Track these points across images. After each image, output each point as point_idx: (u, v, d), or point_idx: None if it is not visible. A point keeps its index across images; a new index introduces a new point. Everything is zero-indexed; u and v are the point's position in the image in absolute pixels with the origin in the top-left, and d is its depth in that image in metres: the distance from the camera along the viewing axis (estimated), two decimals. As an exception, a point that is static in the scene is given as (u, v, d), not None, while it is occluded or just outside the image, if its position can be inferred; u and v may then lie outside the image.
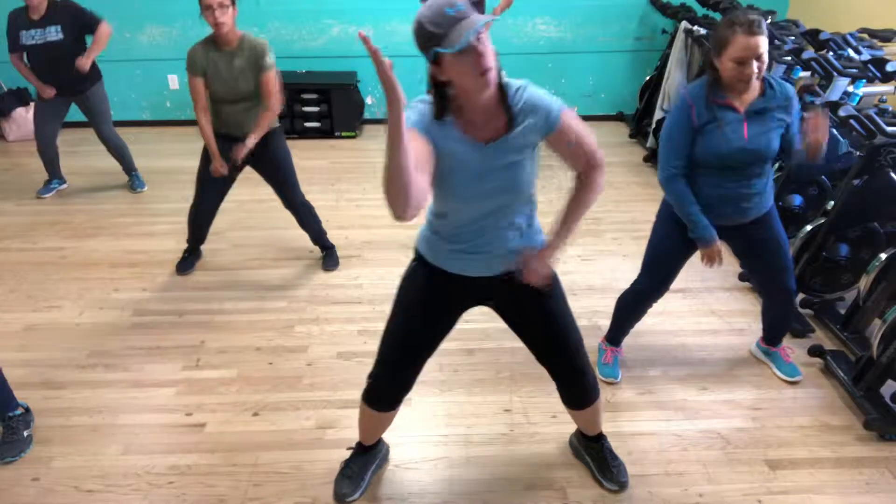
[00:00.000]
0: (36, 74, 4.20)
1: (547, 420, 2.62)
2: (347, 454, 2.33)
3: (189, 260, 3.67)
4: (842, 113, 3.00)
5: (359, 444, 2.31)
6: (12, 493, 2.28)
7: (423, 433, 2.55)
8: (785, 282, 2.63)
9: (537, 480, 2.35)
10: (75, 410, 2.65)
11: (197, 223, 3.59)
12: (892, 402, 2.62)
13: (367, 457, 2.32)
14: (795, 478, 2.37)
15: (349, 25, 5.80)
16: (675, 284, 2.72)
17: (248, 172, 3.48)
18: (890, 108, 3.22)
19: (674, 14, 5.36)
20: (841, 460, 2.44)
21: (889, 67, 3.38)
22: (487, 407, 2.69)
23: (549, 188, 4.43)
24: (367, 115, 6.07)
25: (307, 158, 5.06)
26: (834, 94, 3.63)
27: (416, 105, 1.70)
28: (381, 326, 3.17)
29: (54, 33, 4.06)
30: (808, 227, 3.25)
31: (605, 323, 2.94)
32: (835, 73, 3.55)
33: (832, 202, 3.23)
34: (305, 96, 5.65)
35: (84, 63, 4.10)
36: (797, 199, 3.51)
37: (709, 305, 3.38)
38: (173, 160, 5.22)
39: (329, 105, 5.67)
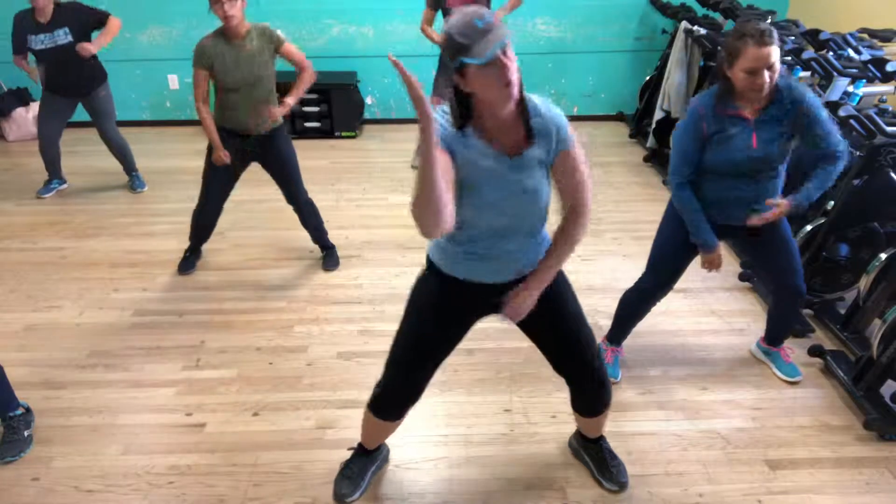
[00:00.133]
0: (45, 77, 4.20)
1: (547, 420, 2.62)
2: (347, 454, 2.34)
3: (190, 260, 3.67)
4: (842, 113, 3.01)
5: (360, 446, 2.31)
6: (12, 493, 2.28)
7: (423, 433, 2.55)
8: (795, 282, 2.63)
9: (537, 480, 2.35)
10: (75, 410, 2.65)
11: (202, 224, 3.58)
12: (892, 402, 2.62)
13: (367, 458, 2.32)
14: (795, 478, 2.37)
15: (349, 25, 5.80)
16: (671, 289, 2.73)
17: (250, 172, 3.48)
18: (890, 108, 3.22)
19: (674, 14, 5.36)
20: (841, 460, 2.44)
21: (889, 67, 3.38)
22: (487, 407, 2.69)
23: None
24: (367, 115, 6.07)
25: (307, 158, 5.03)
26: (834, 94, 3.63)
27: (438, 117, 1.72)
28: (381, 326, 3.21)
29: (63, 36, 4.06)
30: (808, 227, 3.25)
31: (606, 323, 2.94)
32: (835, 73, 3.55)
33: (832, 202, 3.23)
34: (305, 96, 5.61)
35: (88, 47, 4.03)
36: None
37: (709, 305, 3.38)
38: (173, 160, 5.22)
39: (329, 105, 5.67)
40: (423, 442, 2.51)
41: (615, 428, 2.53)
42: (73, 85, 4.22)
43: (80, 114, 4.42)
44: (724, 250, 2.53)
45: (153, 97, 5.97)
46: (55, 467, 2.38)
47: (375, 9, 5.73)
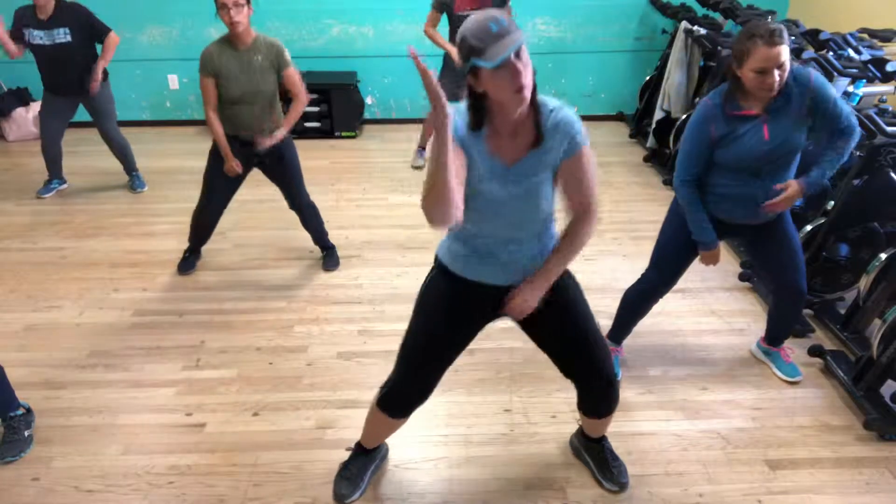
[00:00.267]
0: (42, 74, 4.21)
1: (547, 420, 2.62)
2: (347, 454, 2.33)
3: (190, 260, 3.67)
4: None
5: (358, 446, 2.31)
6: (12, 493, 2.28)
7: (423, 433, 2.55)
8: (797, 282, 2.63)
9: (537, 480, 2.35)
10: (75, 410, 2.65)
11: (202, 225, 3.58)
12: (892, 402, 2.62)
13: (366, 458, 2.32)
14: (795, 478, 2.37)
15: (349, 25, 5.80)
16: (674, 286, 2.73)
17: (251, 173, 3.48)
18: (890, 108, 3.22)
19: (674, 14, 5.37)
20: (841, 460, 2.44)
21: (889, 67, 3.38)
22: (487, 407, 2.69)
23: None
24: (367, 115, 6.07)
25: (307, 158, 5.01)
26: (834, 91, 3.63)
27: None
28: (381, 326, 3.22)
29: (62, 35, 4.06)
30: (808, 227, 3.25)
31: (606, 323, 2.93)
32: (835, 73, 3.55)
33: (832, 202, 3.23)
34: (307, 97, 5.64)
35: (97, 79, 4.14)
36: (797, 199, 3.51)
37: (709, 305, 3.38)
38: (173, 160, 5.22)
39: (329, 105, 5.67)
40: (423, 442, 2.51)
41: (615, 428, 2.52)
42: (73, 84, 4.23)
43: (82, 114, 4.42)
44: (724, 250, 2.53)
45: (153, 97, 5.97)
46: (55, 467, 2.38)
47: (375, 9, 5.73)
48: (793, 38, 3.98)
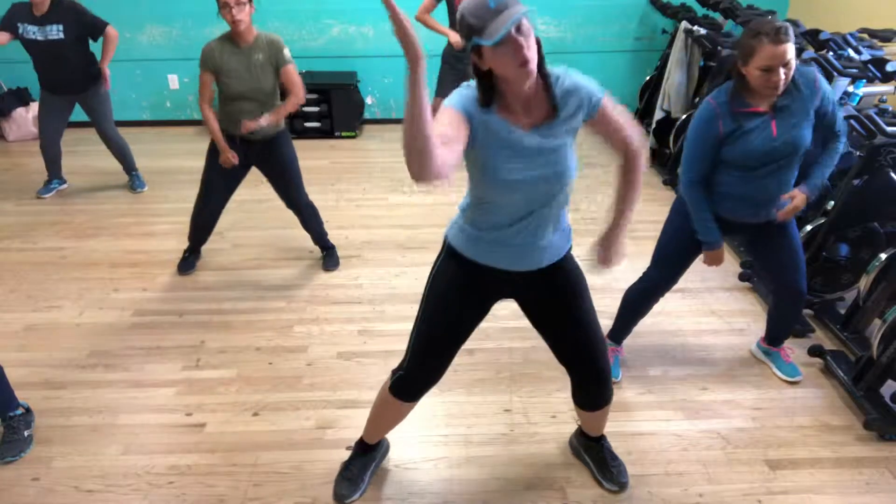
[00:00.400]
0: (38, 72, 4.21)
1: (547, 420, 2.62)
2: (347, 454, 2.33)
3: (190, 260, 3.67)
4: (842, 113, 3.00)
5: (359, 444, 2.31)
6: (12, 493, 2.28)
7: (423, 433, 2.55)
8: (797, 282, 2.63)
9: (537, 480, 2.35)
10: (75, 410, 2.65)
11: (201, 225, 3.58)
12: (892, 402, 2.62)
13: (367, 457, 2.32)
14: (795, 478, 2.37)
15: (349, 25, 5.80)
16: (675, 284, 2.73)
17: (250, 172, 3.48)
18: (890, 108, 3.22)
19: (674, 14, 5.37)
20: (841, 460, 2.44)
21: (889, 67, 3.38)
22: (487, 407, 2.69)
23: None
24: (367, 115, 6.07)
25: (307, 158, 5.02)
26: (834, 95, 3.63)
27: (461, 90, 1.72)
28: (380, 326, 3.21)
29: (55, 32, 4.06)
30: (808, 227, 3.25)
31: (606, 322, 2.92)
32: (835, 73, 3.55)
33: (832, 202, 3.23)
34: (305, 96, 5.64)
35: (106, 77, 4.19)
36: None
37: (709, 305, 3.38)
38: (173, 160, 5.22)
39: (329, 105, 5.67)
40: (423, 442, 2.51)
41: (615, 428, 2.53)
42: (68, 82, 4.22)
43: (81, 114, 4.43)
44: (724, 250, 2.53)
45: (153, 97, 5.97)
46: (55, 467, 2.38)
47: (375, 9, 5.69)
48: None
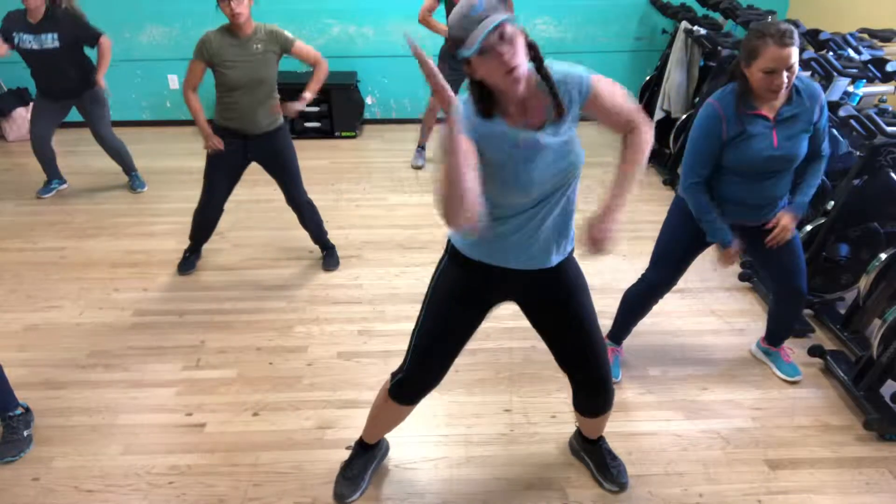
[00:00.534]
0: (35, 79, 4.21)
1: (547, 420, 2.62)
2: (347, 454, 2.33)
3: (190, 260, 3.67)
4: (842, 113, 3.00)
5: (360, 444, 2.31)
6: (12, 493, 2.28)
7: (423, 433, 2.55)
8: (797, 283, 2.63)
9: (537, 480, 2.35)
10: (75, 410, 2.65)
11: (203, 224, 3.58)
12: (892, 402, 2.62)
13: (367, 457, 2.32)
14: (795, 478, 2.37)
15: (349, 25, 5.80)
16: (675, 285, 2.73)
17: (250, 172, 3.48)
18: (890, 108, 3.22)
19: (674, 14, 5.36)
20: (841, 460, 2.44)
21: (889, 67, 3.38)
22: (487, 407, 2.69)
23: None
24: (367, 115, 6.07)
25: (307, 158, 5.04)
26: (834, 95, 3.63)
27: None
28: (380, 326, 3.21)
29: (51, 41, 4.06)
30: (808, 227, 3.25)
31: (606, 323, 2.92)
32: (835, 74, 3.55)
33: (832, 202, 3.23)
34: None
35: (102, 85, 4.16)
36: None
37: (709, 305, 3.38)
38: (173, 160, 5.22)
39: (329, 105, 5.67)
40: (423, 442, 2.51)
41: (615, 428, 2.53)
42: (64, 89, 4.23)
43: (79, 114, 4.42)
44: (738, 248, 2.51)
45: (153, 97, 5.97)
46: (55, 467, 2.38)
47: (375, 9, 5.73)
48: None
